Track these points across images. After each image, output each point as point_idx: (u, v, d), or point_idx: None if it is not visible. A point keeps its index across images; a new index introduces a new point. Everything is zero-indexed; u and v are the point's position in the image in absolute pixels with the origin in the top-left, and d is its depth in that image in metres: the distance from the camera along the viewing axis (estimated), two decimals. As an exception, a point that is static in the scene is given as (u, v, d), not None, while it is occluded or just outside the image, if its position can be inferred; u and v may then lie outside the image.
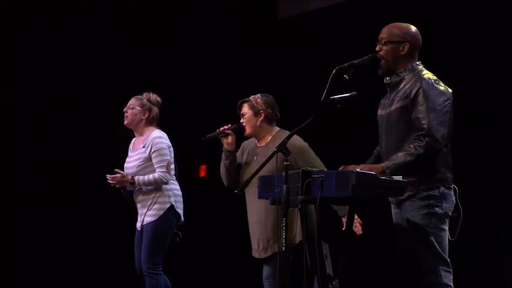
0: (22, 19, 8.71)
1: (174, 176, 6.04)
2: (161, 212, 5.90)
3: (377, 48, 4.62)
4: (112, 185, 5.97)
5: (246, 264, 8.35)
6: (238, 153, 5.57)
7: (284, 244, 4.45)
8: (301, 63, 7.91)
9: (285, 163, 4.44)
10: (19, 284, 8.60)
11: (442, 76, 4.62)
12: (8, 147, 8.65)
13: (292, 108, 6.12)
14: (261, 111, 5.46)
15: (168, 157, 5.96)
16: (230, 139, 5.45)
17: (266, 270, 5.48)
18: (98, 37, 8.80)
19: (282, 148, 4.50)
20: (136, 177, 5.93)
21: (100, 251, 8.67)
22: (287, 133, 5.36)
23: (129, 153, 6.13)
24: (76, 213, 8.66)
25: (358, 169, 4.41)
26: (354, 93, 5.57)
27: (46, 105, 8.67)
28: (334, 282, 4.76)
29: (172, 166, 6.02)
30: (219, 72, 8.67)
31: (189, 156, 9.04)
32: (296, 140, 5.28)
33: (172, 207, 5.94)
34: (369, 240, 5.52)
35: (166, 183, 5.93)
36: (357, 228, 5.28)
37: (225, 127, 5.46)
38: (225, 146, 5.47)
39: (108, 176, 5.94)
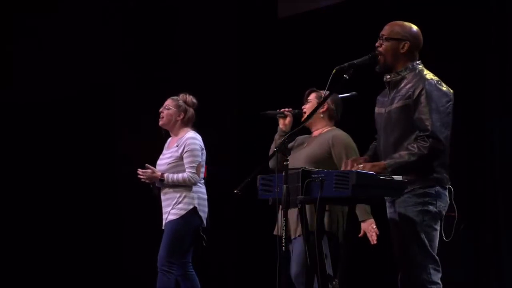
0: (22, 18, 8.70)
1: (202, 180, 6.09)
2: (183, 212, 5.97)
3: (377, 44, 4.62)
4: (142, 180, 6.02)
5: (246, 264, 8.36)
6: (291, 144, 5.57)
7: (284, 244, 4.45)
8: (301, 63, 7.91)
9: (284, 163, 4.44)
10: (19, 284, 8.59)
11: (442, 75, 4.62)
12: (7, 147, 8.64)
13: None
14: (325, 104, 5.49)
15: (200, 159, 6.04)
16: (287, 120, 5.51)
17: (294, 268, 5.41)
18: (98, 37, 8.80)
19: (282, 148, 4.49)
20: (165, 175, 6.01)
21: (100, 251, 8.67)
22: (342, 132, 5.40)
23: (164, 151, 6.24)
24: (76, 213, 8.65)
25: (360, 166, 4.42)
26: (354, 93, 5.60)
27: (46, 105, 8.67)
28: (334, 282, 4.76)
29: (203, 169, 6.08)
30: (219, 72, 8.67)
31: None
32: (343, 135, 5.41)
33: (195, 209, 6.00)
34: (368, 240, 5.51)
35: (195, 184, 6.00)
36: (373, 237, 5.28)
37: (286, 109, 5.48)
38: (281, 126, 5.53)
39: (139, 171, 6.04)
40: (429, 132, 4.39)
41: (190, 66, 8.78)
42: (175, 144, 6.11)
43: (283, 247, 4.41)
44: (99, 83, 8.87)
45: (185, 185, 5.99)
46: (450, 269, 4.57)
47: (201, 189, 6.10)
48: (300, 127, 5.06)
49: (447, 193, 4.51)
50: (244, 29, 8.66)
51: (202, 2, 8.84)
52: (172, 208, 5.99)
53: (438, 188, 4.47)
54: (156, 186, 6.10)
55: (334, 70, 4.50)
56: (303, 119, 5.47)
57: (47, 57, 8.69)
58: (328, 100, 5.50)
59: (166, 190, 6.05)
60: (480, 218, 6.64)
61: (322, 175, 4.34)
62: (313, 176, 4.37)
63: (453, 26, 6.85)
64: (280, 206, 5.35)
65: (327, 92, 4.68)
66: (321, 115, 5.53)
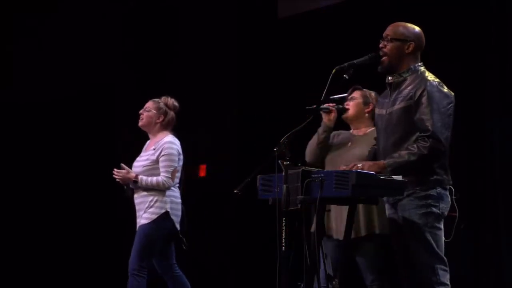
0: (22, 18, 8.71)
1: (177, 184, 6.04)
2: (155, 217, 5.89)
3: (381, 45, 4.62)
4: (117, 180, 5.99)
5: (246, 264, 8.36)
6: (330, 140, 5.52)
7: (284, 244, 4.45)
8: (301, 63, 7.91)
9: (285, 163, 4.44)
10: (20, 284, 8.60)
11: (442, 75, 4.63)
12: (7, 147, 8.65)
13: (292, 108, 6.12)
14: (371, 103, 5.47)
15: (176, 164, 5.99)
16: (332, 115, 5.42)
17: (369, 275, 5.26)
18: (98, 37, 8.80)
19: (282, 148, 4.49)
20: (140, 177, 5.95)
21: (100, 251, 8.68)
22: None
23: (141, 153, 6.18)
24: (76, 212, 8.66)
25: (359, 165, 4.42)
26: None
27: (46, 105, 8.68)
28: (334, 282, 4.76)
29: (178, 174, 6.03)
30: (219, 72, 8.67)
31: (189, 156, 9.04)
32: None
33: (167, 213, 5.92)
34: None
35: (168, 189, 5.94)
36: None
37: (330, 104, 5.44)
38: (325, 121, 5.42)
39: (115, 170, 5.97)
40: (429, 132, 4.40)
41: (190, 66, 8.78)
42: (153, 147, 6.04)
43: (283, 247, 4.41)
44: (99, 83, 8.88)
45: (158, 189, 5.95)
46: (450, 269, 4.56)
47: (174, 193, 6.01)
48: (300, 128, 5.06)
49: (448, 194, 4.52)
50: (244, 29, 8.66)
51: (202, 2, 8.85)
52: (144, 212, 5.91)
53: (439, 189, 4.48)
54: (130, 188, 6.05)
55: (334, 70, 4.51)
56: (345, 115, 5.46)
57: (47, 57, 8.70)
58: (373, 100, 5.48)
59: (139, 193, 5.97)
60: (480, 218, 6.63)
61: (322, 175, 4.35)
62: (313, 176, 4.37)
63: (453, 26, 6.85)
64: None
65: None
66: (366, 114, 5.50)
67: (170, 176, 5.93)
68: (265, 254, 6.17)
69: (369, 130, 5.46)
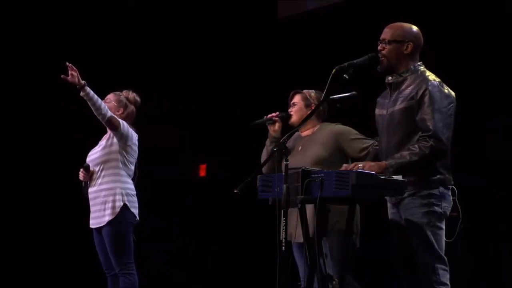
0: (22, 18, 8.72)
1: (129, 177, 5.90)
2: (117, 211, 5.76)
3: (379, 48, 4.62)
4: (81, 176, 5.89)
5: (246, 264, 8.37)
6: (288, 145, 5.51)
7: (284, 244, 4.45)
8: (301, 63, 7.92)
9: (285, 162, 4.44)
10: (18, 284, 8.60)
11: (442, 75, 4.63)
12: (7, 147, 8.66)
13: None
14: (312, 105, 5.48)
15: (120, 122, 5.84)
16: (277, 126, 5.45)
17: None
18: (98, 37, 8.80)
19: (282, 147, 4.49)
20: (88, 88, 5.86)
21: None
22: (331, 125, 5.38)
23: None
24: (74, 211, 8.65)
25: (360, 165, 4.43)
26: (353, 92, 5.60)
27: (46, 105, 8.68)
28: (334, 282, 4.76)
29: (132, 167, 5.93)
30: (219, 71, 8.67)
31: (189, 156, 9.05)
32: (335, 127, 5.36)
33: (125, 206, 5.78)
34: (368, 239, 5.51)
35: (109, 116, 5.80)
36: None
37: (273, 114, 5.45)
38: (271, 132, 5.47)
39: (81, 171, 5.88)
40: (431, 132, 4.40)
41: (190, 66, 8.78)
42: (107, 136, 5.94)
43: (283, 247, 4.41)
44: (99, 83, 8.87)
45: (100, 111, 5.81)
46: (449, 269, 4.56)
47: (129, 185, 5.87)
48: (298, 128, 5.06)
49: (450, 193, 4.52)
50: (244, 29, 8.66)
51: (202, 2, 8.85)
52: (103, 211, 5.78)
53: (441, 189, 4.48)
54: (87, 185, 5.95)
55: (334, 70, 4.51)
56: (290, 121, 5.46)
57: (46, 57, 8.69)
58: (314, 100, 5.48)
59: (94, 188, 5.85)
60: (480, 218, 6.64)
61: (322, 175, 4.35)
62: (313, 176, 4.37)
63: (453, 26, 6.85)
64: None
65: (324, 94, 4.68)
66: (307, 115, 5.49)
67: (116, 116, 5.82)
68: (265, 254, 6.17)
69: (316, 127, 5.47)
